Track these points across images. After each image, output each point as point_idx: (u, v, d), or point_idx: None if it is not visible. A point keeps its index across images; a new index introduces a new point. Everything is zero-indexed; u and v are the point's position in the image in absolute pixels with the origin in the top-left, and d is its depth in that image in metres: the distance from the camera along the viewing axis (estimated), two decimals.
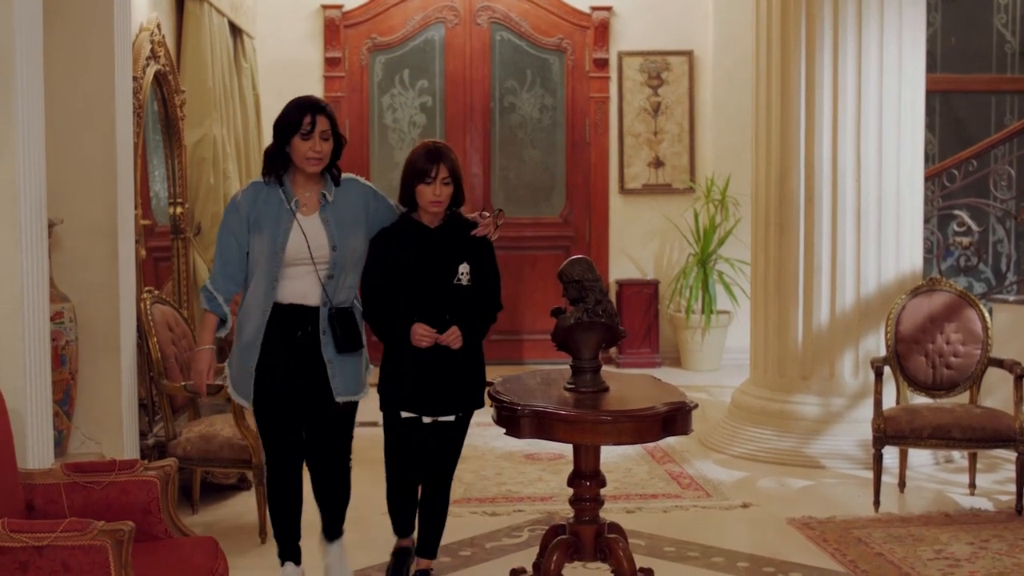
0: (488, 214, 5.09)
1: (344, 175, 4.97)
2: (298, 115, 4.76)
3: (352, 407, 5.04)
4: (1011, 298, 8.67)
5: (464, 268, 4.92)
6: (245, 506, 6.41)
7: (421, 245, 4.91)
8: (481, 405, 5.05)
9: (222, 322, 4.93)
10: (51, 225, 5.02)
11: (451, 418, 4.99)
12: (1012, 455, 6.51)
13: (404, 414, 4.99)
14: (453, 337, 4.86)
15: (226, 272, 4.87)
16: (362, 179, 5.06)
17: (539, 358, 10.79)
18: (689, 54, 11.25)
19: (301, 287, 4.83)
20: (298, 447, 5.03)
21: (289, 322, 4.84)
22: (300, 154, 4.77)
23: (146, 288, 6.31)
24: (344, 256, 4.86)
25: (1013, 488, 6.49)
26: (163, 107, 7.19)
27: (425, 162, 4.84)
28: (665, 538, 5.97)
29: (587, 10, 11.16)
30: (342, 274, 4.87)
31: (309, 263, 4.80)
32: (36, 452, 4.40)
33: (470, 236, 4.98)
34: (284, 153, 4.81)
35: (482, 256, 5.00)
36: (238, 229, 4.85)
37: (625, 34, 11.24)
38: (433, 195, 4.84)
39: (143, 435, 6.13)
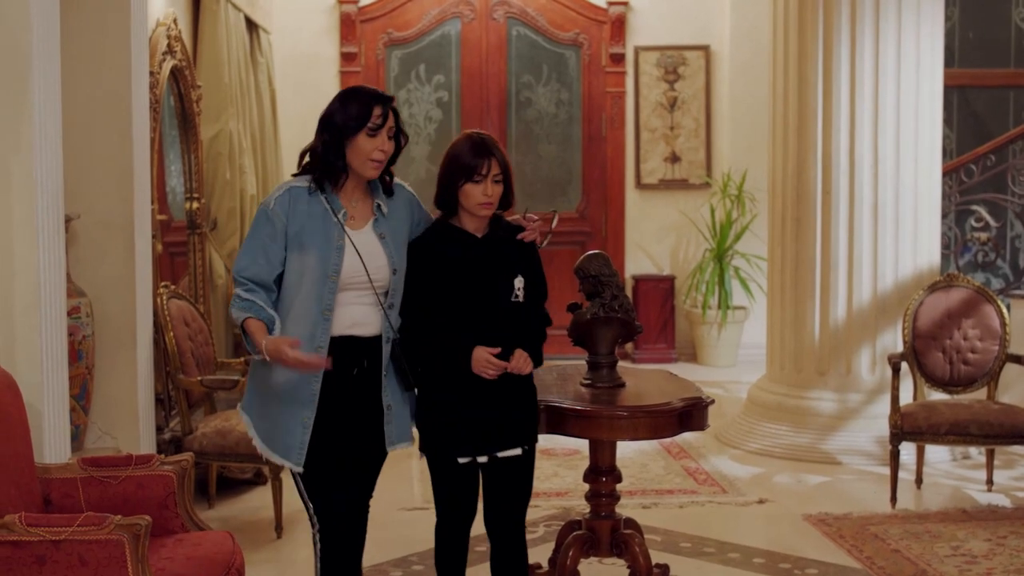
0: (535, 217, 4.34)
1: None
2: (366, 107, 3.95)
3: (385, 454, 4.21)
4: None
5: (520, 283, 4.19)
6: (261, 501, 6.42)
7: (469, 257, 4.14)
8: (537, 438, 4.31)
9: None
10: (68, 220, 5.02)
11: (516, 451, 4.19)
12: None
13: (461, 460, 4.15)
14: (523, 362, 4.13)
15: (262, 285, 3.97)
16: (405, 183, 4.27)
17: (555, 353, 10.63)
18: (706, 49, 11.22)
19: (353, 314, 4.02)
20: (354, 495, 4.19)
21: (342, 357, 4.00)
22: (363, 155, 3.96)
23: (162, 283, 6.32)
24: (402, 279, 4.10)
25: None
26: (179, 102, 7.20)
27: (473, 157, 4.07)
28: (681, 534, 5.96)
29: (603, 5, 11.14)
30: (399, 300, 4.11)
31: (366, 287, 4.00)
32: (53, 446, 4.41)
33: (519, 243, 4.25)
34: (341, 153, 3.98)
35: (533, 266, 4.29)
36: (270, 243, 3.96)
37: (641, 29, 11.21)
38: (483, 196, 4.07)
39: (159, 430, 6.14)
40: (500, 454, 4.15)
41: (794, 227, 7.76)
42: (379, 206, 4.07)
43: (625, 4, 11.12)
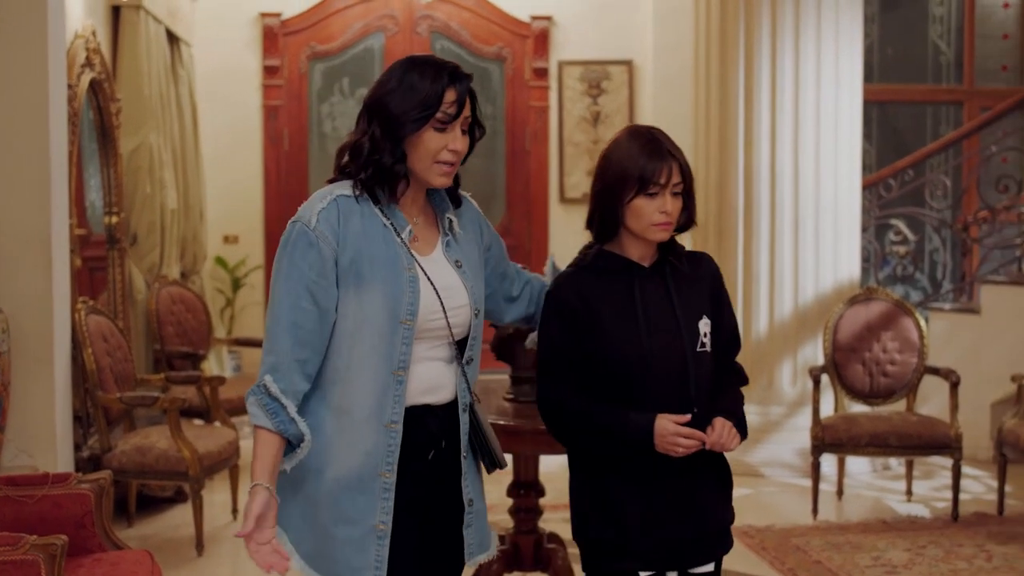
0: None
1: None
2: (436, 90, 2.86)
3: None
4: (947, 306, 8.77)
5: (706, 326, 3.08)
6: (181, 519, 6.35)
7: (641, 294, 3.08)
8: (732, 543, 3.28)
9: (289, 444, 2.81)
10: None
11: (709, 568, 3.19)
12: (948, 462, 6.58)
13: (644, 574, 3.11)
14: (728, 433, 3.04)
15: (298, 357, 2.78)
16: (468, 194, 3.28)
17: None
18: (629, 63, 11.27)
19: (428, 374, 2.92)
20: None
21: (413, 436, 2.90)
22: (428, 154, 2.89)
23: (81, 298, 6.23)
24: (482, 323, 3.06)
25: (949, 495, 6.56)
26: (98, 115, 7.11)
27: (648, 161, 3.02)
28: None
29: (527, 19, 11.16)
30: (479, 353, 3.06)
31: (441, 336, 2.92)
32: None
33: (702, 275, 3.19)
34: (400, 153, 2.87)
35: (722, 305, 3.19)
36: (319, 278, 2.78)
37: (565, 43, 11.24)
38: (660, 214, 3.03)
39: (77, 448, 6.05)
40: (694, 570, 3.14)
41: (716, 240, 7.81)
42: (450, 223, 3.06)
43: (548, 19, 11.15)
